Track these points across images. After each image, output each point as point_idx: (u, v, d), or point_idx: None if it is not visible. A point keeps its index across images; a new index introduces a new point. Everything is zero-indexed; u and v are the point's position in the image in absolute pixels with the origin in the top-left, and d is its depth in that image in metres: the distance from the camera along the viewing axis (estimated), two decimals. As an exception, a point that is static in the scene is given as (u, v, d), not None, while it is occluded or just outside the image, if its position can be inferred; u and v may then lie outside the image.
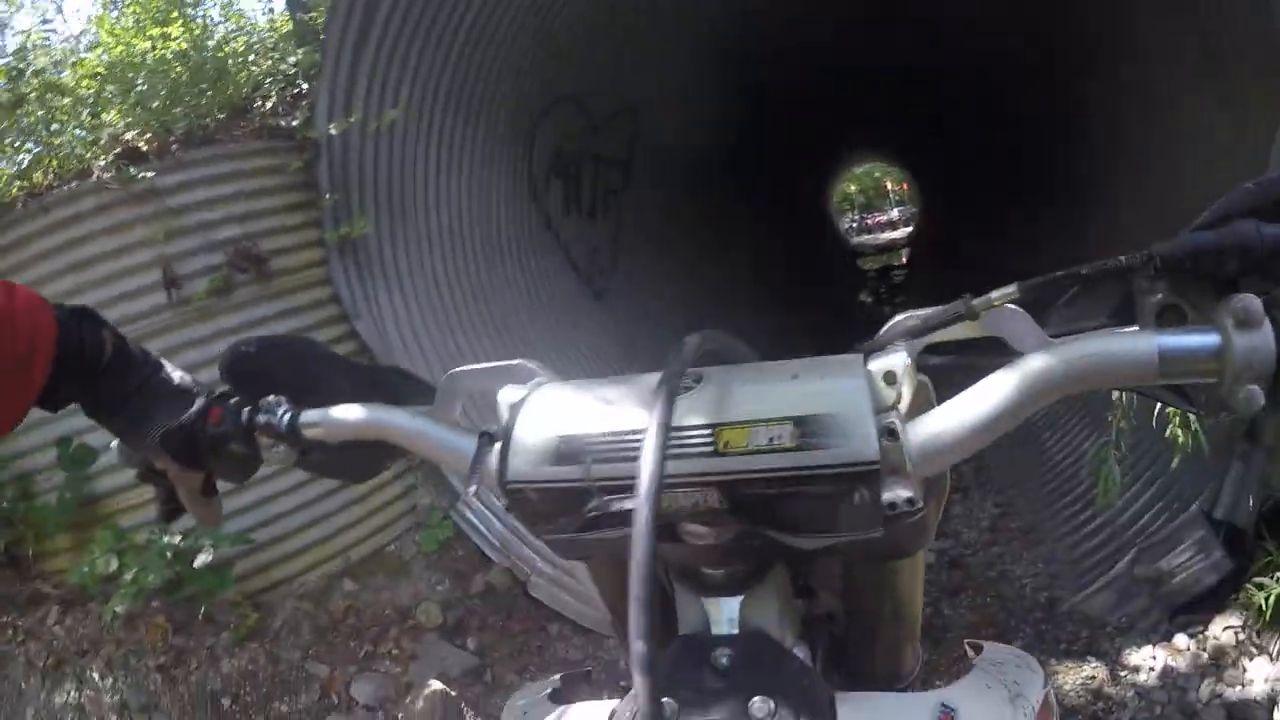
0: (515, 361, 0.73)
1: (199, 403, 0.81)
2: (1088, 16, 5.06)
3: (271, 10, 6.86)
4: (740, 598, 0.63)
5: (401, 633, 3.47)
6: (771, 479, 0.54)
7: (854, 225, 28.20)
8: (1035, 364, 0.55)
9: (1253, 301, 0.50)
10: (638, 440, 0.52)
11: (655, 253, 7.14)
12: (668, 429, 0.51)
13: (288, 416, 0.77)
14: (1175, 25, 4.07)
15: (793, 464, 0.53)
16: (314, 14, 4.44)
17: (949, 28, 7.43)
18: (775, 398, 0.56)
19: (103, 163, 3.29)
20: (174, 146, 3.48)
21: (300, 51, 4.03)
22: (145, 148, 3.39)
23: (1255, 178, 0.53)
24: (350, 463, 0.82)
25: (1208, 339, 0.52)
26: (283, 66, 4.04)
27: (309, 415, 0.77)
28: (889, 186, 30.07)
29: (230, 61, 4.13)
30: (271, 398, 0.78)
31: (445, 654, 3.41)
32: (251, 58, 4.18)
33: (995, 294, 0.58)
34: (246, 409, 0.78)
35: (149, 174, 3.24)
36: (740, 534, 0.57)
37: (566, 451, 0.59)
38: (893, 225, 27.79)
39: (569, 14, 4.89)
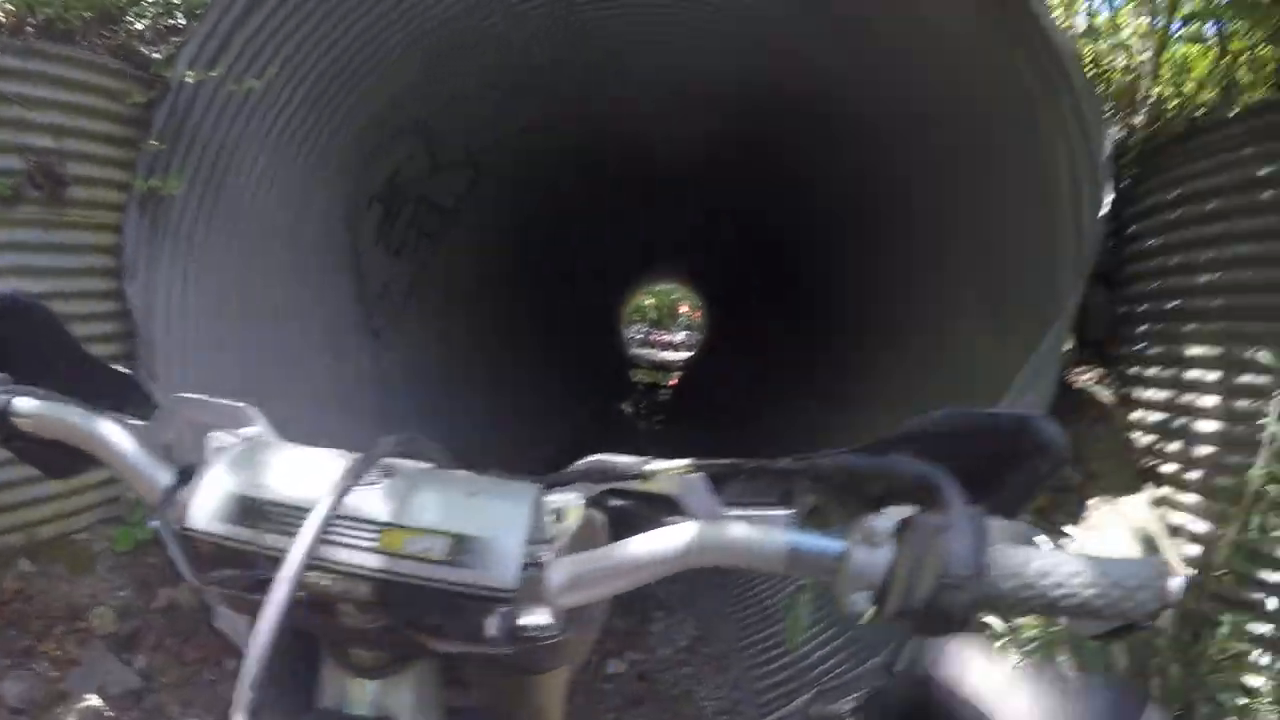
0: (239, 404, 0.74)
1: None
2: (880, 205, 5.78)
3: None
4: (381, 681, 0.66)
5: (68, 633, 3.14)
6: (415, 587, 0.58)
7: (638, 336, 29.02)
8: (684, 533, 0.61)
9: (882, 523, 0.57)
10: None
11: (444, 311, 7.13)
12: (330, 517, 0.57)
13: (1, 399, 0.73)
14: (966, 241, 4.74)
15: (437, 577, 0.58)
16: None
17: (770, 188, 8.17)
18: (444, 510, 0.61)
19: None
20: (29, 29, 3.18)
21: None
22: (3, 19, 3.09)
23: (942, 410, 0.62)
24: (52, 459, 0.79)
25: (832, 546, 0.58)
26: None
27: (22, 403, 0.74)
28: (682, 310, 31.34)
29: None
30: None
31: (110, 668, 3.11)
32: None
33: (674, 463, 0.65)
34: None
35: (-10, 48, 2.92)
36: (390, 624, 0.61)
37: (245, 512, 0.62)
38: (674, 347, 28.76)
39: (436, 55, 4.96)
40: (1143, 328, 4.57)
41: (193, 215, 3.73)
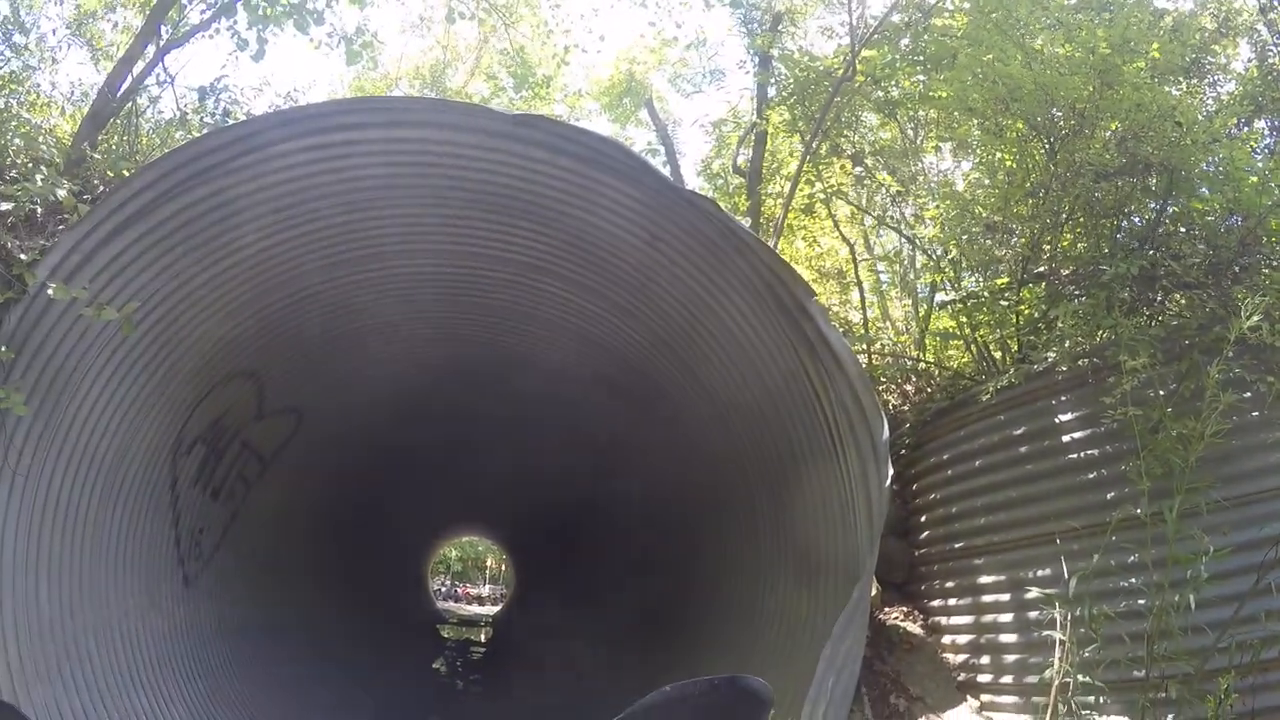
0: None
1: None
2: (695, 477, 6.15)
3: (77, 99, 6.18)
4: None
5: None
6: None
7: (442, 590, 27.44)
8: None
9: None
10: None
11: (256, 560, 6.68)
12: None
13: None
14: (772, 515, 5.13)
15: None
16: (106, 157, 4.03)
17: (584, 455, 8.44)
18: None
19: None
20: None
21: (73, 186, 3.64)
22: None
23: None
24: None
25: None
26: (51, 189, 3.59)
27: None
28: (488, 562, 30.26)
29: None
30: None
31: None
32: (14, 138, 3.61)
33: None
34: None
35: None
36: None
37: None
38: (481, 600, 27.49)
39: (276, 308, 5.06)
40: (937, 566, 5.19)
41: (25, 430, 3.49)
